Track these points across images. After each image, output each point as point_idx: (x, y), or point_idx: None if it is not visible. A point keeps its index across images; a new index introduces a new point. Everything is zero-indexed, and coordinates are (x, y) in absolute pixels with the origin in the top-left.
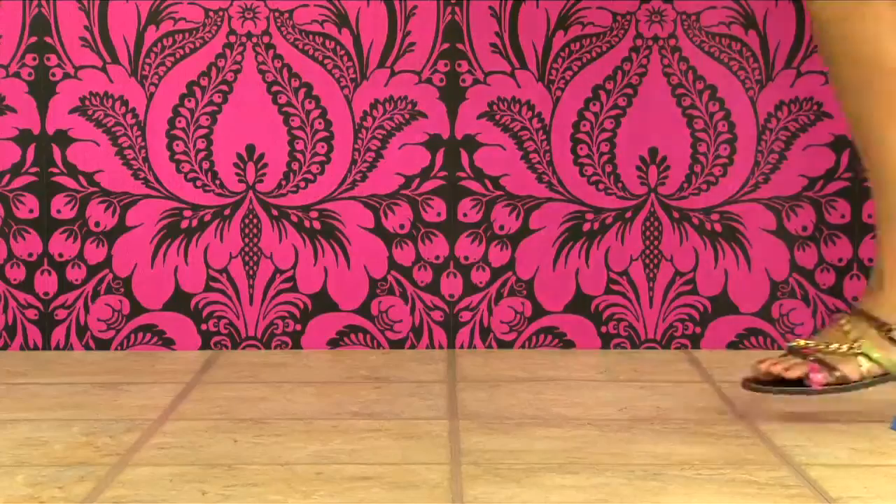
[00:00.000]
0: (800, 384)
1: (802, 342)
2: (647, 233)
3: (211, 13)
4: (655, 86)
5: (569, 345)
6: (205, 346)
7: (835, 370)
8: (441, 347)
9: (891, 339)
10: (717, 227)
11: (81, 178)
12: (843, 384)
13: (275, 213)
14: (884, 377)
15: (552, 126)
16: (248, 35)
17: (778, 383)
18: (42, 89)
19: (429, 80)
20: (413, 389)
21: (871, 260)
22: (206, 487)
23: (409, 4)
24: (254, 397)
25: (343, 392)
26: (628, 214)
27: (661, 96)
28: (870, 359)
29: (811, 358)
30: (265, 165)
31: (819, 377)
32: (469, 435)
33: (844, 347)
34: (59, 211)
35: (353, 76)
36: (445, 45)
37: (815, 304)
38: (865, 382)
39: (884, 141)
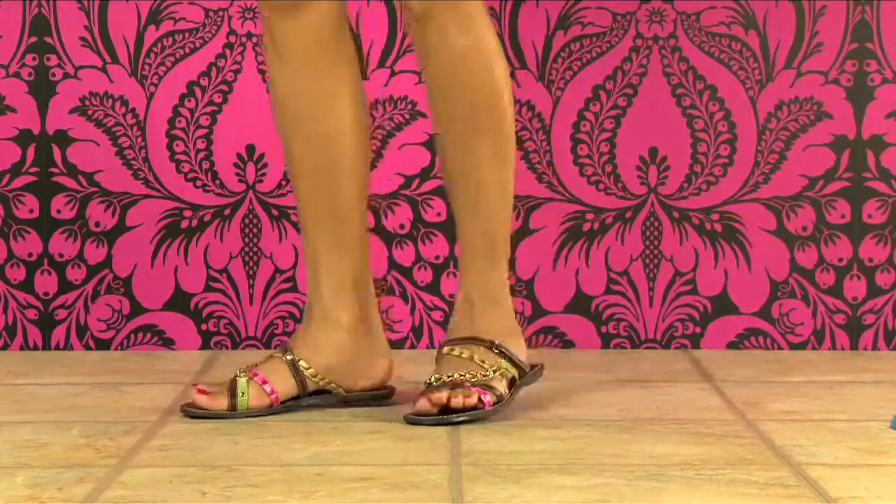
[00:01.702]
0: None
1: (443, 377)
2: (647, 233)
3: (211, 13)
4: (655, 86)
5: (569, 345)
6: (205, 346)
7: (494, 389)
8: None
9: (500, 352)
10: (717, 227)
11: (81, 178)
12: (501, 401)
13: (275, 212)
14: (515, 386)
15: (552, 126)
16: (248, 35)
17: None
18: (42, 89)
19: None
20: (413, 390)
21: (871, 259)
22: (205, 488)
23: None
24: None
25: None
26: (628, 214)
27: (661, 96)
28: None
29: (468, 384)
30: (265, 165)
31: (488, 398)
32: (469, 436)
33: (491, 372)
34: (59, 211)
35: None
36: None
37: (815, 304)
38: (511, 393)
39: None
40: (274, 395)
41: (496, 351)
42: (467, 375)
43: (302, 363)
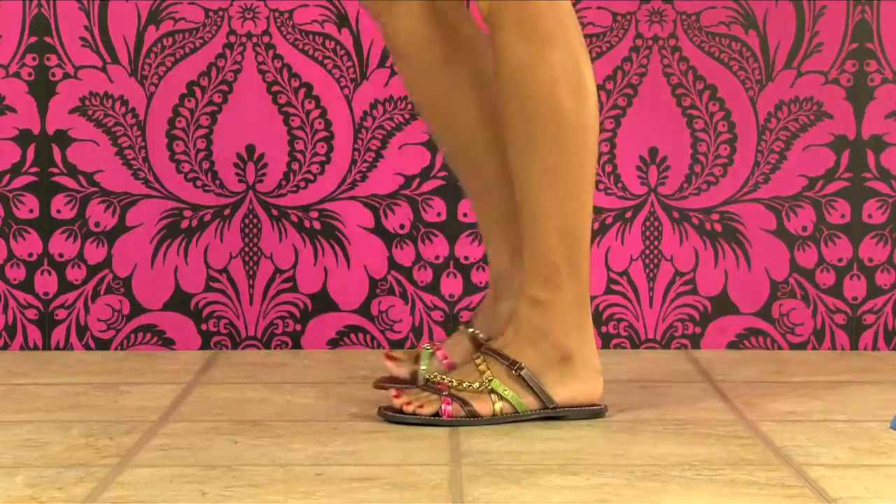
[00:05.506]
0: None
1: (438, 377)
2: (647, 233)
3: (211, 13)
4: (655, 86)
5: None
6: (205, 346)
7: (467, 405)
8: None
9: (520, 377)
10: (717, 227)
11: (81, 178)
12: (474, 417)
13: (275, 213)
14: (516, 415)
15: None
16: (248, 35)
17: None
18: (42, 89)
19: None
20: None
21: (871, 259)
22: (205, 488)
23: None
24: (254, 398)
25: (343, 392)
26: (628, 214)
27: (661, 96)
28: (501, 397)
29: (445, 393)
30: (265, 165)
31: (449, 409)
32: (469, 436)
33: (476, 384)
34: (59, 211)
35: (353, 76)
36: None
37: (815, 304)
38: (498, 420)
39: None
40: (447, 361)
41: (516, 373)
42: (454, 382)
43: (479, 332)
